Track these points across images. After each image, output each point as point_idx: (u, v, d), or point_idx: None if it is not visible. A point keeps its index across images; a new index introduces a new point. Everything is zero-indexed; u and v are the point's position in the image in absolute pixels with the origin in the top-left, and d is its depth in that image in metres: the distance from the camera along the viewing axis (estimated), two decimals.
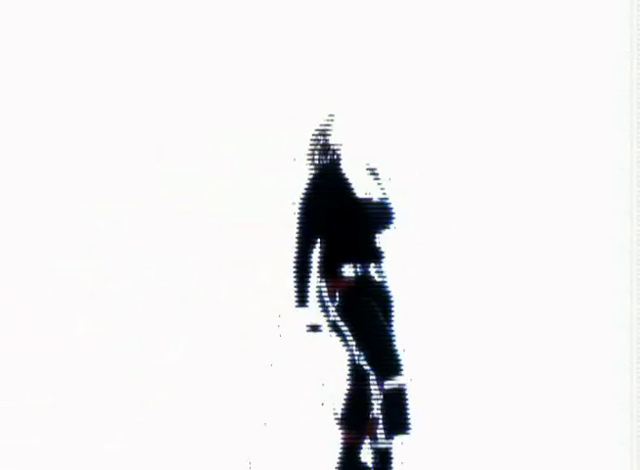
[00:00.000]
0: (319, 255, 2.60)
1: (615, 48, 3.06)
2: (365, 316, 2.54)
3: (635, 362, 3.01)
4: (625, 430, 2.90)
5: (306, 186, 2.54)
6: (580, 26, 3.07)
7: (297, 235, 2.58)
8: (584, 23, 3.07)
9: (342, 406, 2.55)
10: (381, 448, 2.47)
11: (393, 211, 2.65)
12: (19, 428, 2.97)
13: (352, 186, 2.55)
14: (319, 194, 2.53)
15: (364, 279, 2.58)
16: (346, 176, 2.53)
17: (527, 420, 2.95)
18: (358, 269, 2.57)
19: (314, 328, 2.57)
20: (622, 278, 3.05)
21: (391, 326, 2.61)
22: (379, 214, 2.61)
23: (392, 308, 2.64)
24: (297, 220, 2.58)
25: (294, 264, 2.58)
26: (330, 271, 2.58)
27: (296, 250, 2.58)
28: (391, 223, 2.68)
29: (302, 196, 2.55)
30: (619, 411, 2.96)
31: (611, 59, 3.07)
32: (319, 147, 2.52)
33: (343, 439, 2.54)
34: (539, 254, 3.11)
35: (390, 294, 2.66)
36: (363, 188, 2.59)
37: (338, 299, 2.56)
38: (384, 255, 2.64)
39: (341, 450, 2.55)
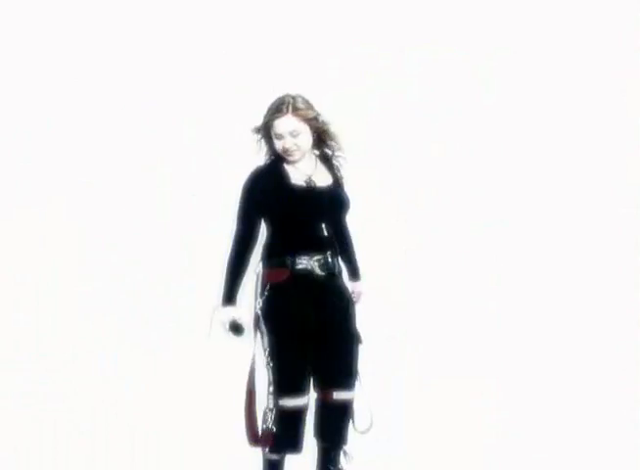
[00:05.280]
0: (266, 245, 2.35)
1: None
2: (280, 320, 2.29)
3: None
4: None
5: (253, 170, 2.41)
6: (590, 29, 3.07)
7: (236, 221, 2.33)
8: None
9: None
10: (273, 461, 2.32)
11: (346, 198, 2.40)
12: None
13: (302, 172, 2.33)
14: (263, 178, 2.32)
15: (301, 272, 2.29)
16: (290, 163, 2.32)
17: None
18: (297, 260, 2.29)
19: (236, 328, 2.27)
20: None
21: (339, 330, 2.32)
22: (330, 202, 2.37)
23: (345, 308, 2.36)
24: (239, 205, 2.33)
25: (228, 254, 2.31)
26: (266, 262, 2.33)
27: (233, 237, 2.32)
28: (343, 212, 2.42)
29: (247, 179, 2.32)
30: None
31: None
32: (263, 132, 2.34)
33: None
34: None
35: (342, 291, 2.38)
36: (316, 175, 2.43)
37: (265, 294, 2.32)
38: (334, 246, 2.36)
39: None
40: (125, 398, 3.02)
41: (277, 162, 2.37)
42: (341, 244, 2.41)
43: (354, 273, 2.49)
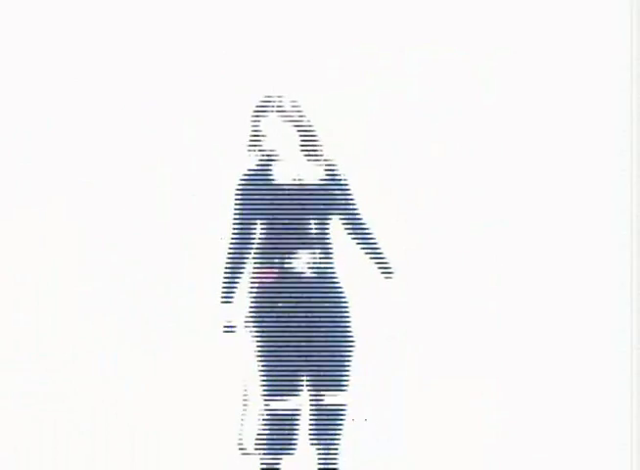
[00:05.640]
0: (257, 245, 2.36)
1: (615, 49, 3.06)
2: (267, 321, 2.29)
3: (635, 364, 3.01)
4: (626, 432, 2.90)
5: (245, 171, 2.41)
6: (581, 28, 3.08)
7: (233, 222, 2.37)
8: (585, 25, 3.07)
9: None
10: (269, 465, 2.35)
11: (339, 195, 2.45)
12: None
13: (291, 170, 2.41)
14: (251, 178, 2.39)
15: (290, 272, 2.29)
16: (283, 160, 2.39)
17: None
18: (285, 260, 2.29)
19: (230, 328, 2.31)
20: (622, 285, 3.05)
21: (329, 331, 2.33)
22: (318, 199, 2.37)
23: (336, 308, 2.37)
24: (234, 206, 2.38)
25: (226, 255, 2.37)
26: (255, 262, 2.34)
27: (230, 238, 2.37)
28: (337, 209, 2.44)
29: (238, 181, 2.41)
30: (620, 414, 2.96)
31: (611, 61, 3.07)
32: (255, 133, 2.42)
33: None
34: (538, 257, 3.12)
35: (333, 291, 2.38)
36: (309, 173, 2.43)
37: (254, 294, 2.34)
38: (326, 244, 2.37)
39: None
40: (125, 398, 3.02)
41: (265, 161, 2.38)
42: (358, 242, 2.40)
43: (383, 270, 2.49)
